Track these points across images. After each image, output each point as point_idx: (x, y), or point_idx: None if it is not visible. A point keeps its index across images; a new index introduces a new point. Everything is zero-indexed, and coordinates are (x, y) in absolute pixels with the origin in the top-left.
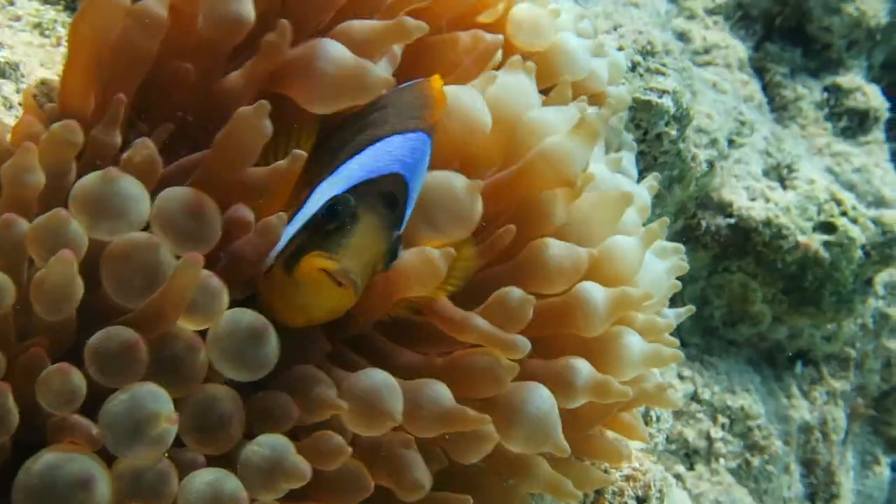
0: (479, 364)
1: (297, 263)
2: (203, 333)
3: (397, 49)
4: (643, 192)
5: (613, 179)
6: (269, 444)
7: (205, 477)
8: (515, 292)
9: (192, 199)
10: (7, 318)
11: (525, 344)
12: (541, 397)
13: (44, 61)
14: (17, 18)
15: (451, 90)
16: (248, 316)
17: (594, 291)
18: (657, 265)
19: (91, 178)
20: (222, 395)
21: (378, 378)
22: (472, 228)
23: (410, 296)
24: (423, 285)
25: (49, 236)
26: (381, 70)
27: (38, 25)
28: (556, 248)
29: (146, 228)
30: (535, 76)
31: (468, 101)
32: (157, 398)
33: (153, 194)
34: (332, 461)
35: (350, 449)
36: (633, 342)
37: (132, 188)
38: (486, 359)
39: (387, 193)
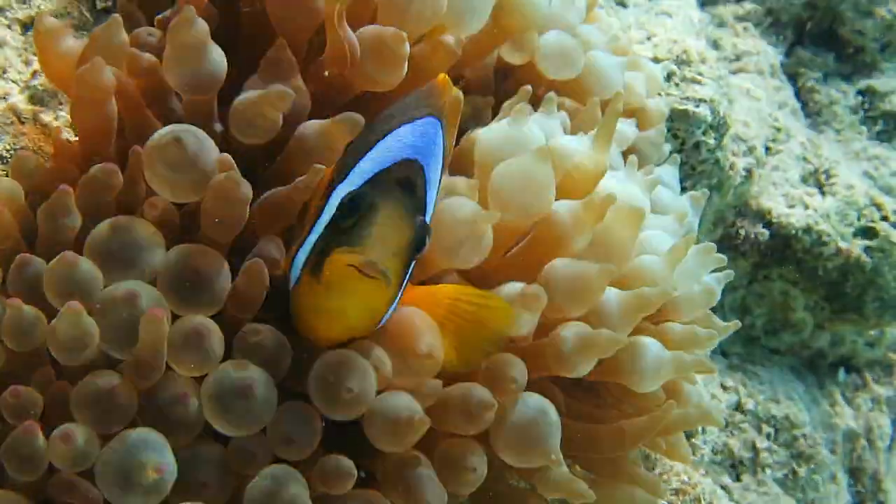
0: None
1: (321, 266)
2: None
3: None
4: (684, 202)
5: (638, 196)
6: (271, 474)
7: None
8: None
9: (191, 262)
10: (40, 354)
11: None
12: (525, 404)
13: None
14: None
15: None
16: (234, 373)
17: (608, 297)
18: (687, 265)
19: (103, 226)
20: (206, 456)
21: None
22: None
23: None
24: None
25: (61, 281)
26: None
27: None
28: (566, 269)
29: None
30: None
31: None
32: (147, 446)
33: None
34: (343, 485)
35: (355, 472)
36: (652, 351)
37: (144, 236)
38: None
39: (402, 179)
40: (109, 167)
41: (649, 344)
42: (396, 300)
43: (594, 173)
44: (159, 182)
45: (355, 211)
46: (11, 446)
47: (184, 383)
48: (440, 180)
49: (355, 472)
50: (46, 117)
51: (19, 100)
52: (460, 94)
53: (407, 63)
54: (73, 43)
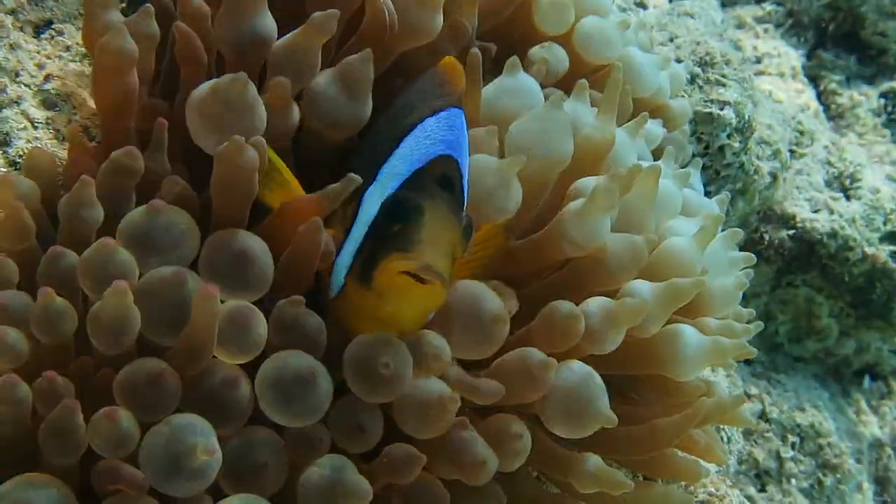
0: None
1: (372, 274)
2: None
3: None
4: (712, 203)
5: (674, 192)
6: (329, 463)
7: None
8: (564, 306)
9: (234, 244)
10: (69, 349)
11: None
12: (569, 369)
13: None
14: (67, 49)
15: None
16: (295, 360)
17: (641, 288)
18: (720, 257)
19: (137, 211)
20: (260, 439)
21: None
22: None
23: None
24: None
25: (98, 267)
26: None
27: (86, 56)
28: (611, 241)
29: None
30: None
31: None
32: (195, 430)
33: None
34: (409, 473)
35: (424, 457)
36: (690, 336)
37: (181, 221)
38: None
39: (441, 177)
40: (132, 151)
41: (687, 330)
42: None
43: (603, 143)
44: (206, 123)
45: (402, 216)
46: (50, 426)
47: (232, 369)
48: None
49: (424, 458)
50: (60, 122)
51: (32, 104)
52: (477, 53)
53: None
54: (116, 17)
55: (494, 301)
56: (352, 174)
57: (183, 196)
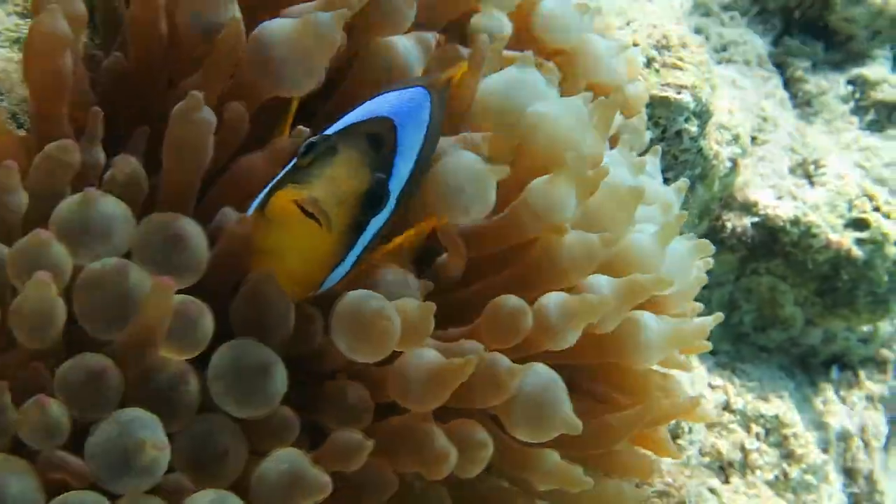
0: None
1: (268, 202)
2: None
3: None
4: (669, 192)
5: (631, 180)
6: (286, 458)
7: (205, 498)
8: (511, 301)
9: (172, 228)
10: None
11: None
12: (535, 373)
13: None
14: None
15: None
16: (252, 350)
17: (600, 283)
18: (679, 253)
19: (69, 201)
20: (219, 426)
21: None
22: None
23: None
24: None
25: (29, 260)
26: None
27: (17, 41)
28: (567, 239)
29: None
30: (555, 76)
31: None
32: (144, 425)
33: (144, 213)
34: (355, 460)
35: (370, 442)
36: (650, 324)
37: (113, 209)
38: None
39: (371, 133)
40: (66, 144)
41: (646, 317)
42: (346, 265)
43: (591, 164)
44: None
45: (315, 153)
46: None
47: (178, 363)
48: (424, 154)
49: (370, 444)
50: None
51: None
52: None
53: None
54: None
55: (378, 302)
56: (300, 127)
57: (132, 178)
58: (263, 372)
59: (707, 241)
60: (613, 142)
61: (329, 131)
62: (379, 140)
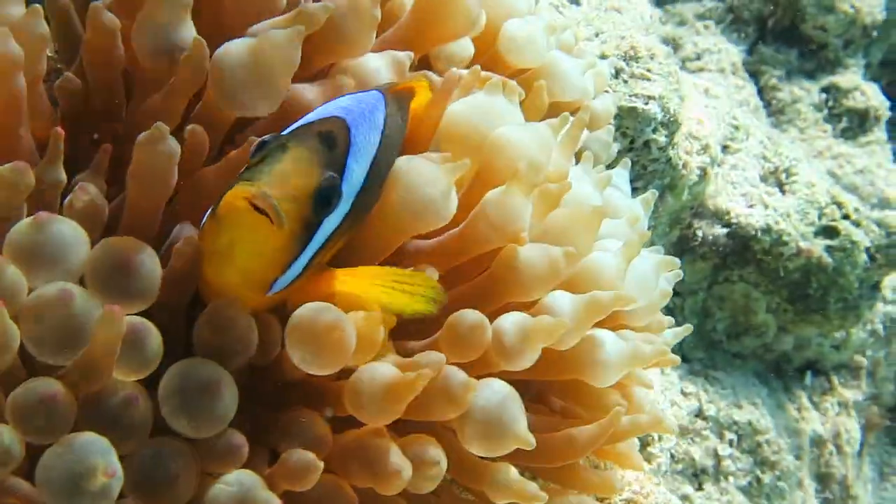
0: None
1: (220, 202)
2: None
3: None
4: (636, 204)
5: (595, 196)
6: (237, 480)
7: None
8: (470, 315)
9: (123, 254)
10: None
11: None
12: (491, 388)
13: None
14: None
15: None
16: (200, 369)
17: (562, 300)
18: (643, 268)
19: (22, 224)
20: (170, 449)
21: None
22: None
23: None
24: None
25: None
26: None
27: None
28: (527, 251)
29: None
30: (519, 97)
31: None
32: (96, 450)
33: (106, 236)
34: (308, 480)
35: (321, 463)
36: (608, 342)
37: (67, 232)
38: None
39: (323, 132)
40: (20, 166)
41: (605, 335)
42: (297, 268)
43: (556, 179)
44: None
45: (266, 151)
46: None
47: (129, 385)
48: (380, 158)
49: (321, 464)
50: None
51: None
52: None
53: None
54: (17, 11)
55: (332, 313)
56: (252, 136)
57: (91, 205)
58: (211, 389)
59: (673, 258)
60: (577, 157)
61: (284, 133)
62: (331, 139)
